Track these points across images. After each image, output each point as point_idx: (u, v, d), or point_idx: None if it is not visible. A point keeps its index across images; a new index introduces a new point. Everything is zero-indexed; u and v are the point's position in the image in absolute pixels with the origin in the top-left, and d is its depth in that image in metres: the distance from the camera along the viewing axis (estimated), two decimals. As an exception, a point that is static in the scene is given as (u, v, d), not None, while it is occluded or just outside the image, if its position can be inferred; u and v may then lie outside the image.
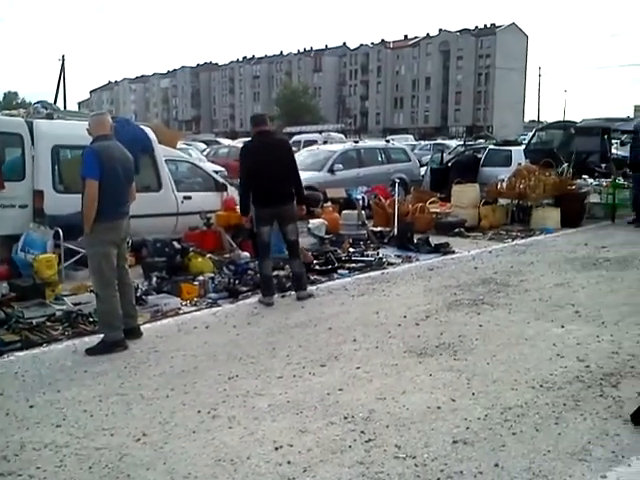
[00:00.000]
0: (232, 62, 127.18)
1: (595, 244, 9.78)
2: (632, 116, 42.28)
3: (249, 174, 6.70)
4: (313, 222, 9.89)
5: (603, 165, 15.08)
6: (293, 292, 7.03)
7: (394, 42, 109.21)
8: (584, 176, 13.81)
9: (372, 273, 8.03)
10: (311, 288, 7.11)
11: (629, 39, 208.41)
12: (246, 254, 8.19)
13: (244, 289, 7.05)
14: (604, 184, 13.16)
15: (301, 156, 14.41)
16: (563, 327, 5.57)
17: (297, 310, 6.44)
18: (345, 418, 3.83)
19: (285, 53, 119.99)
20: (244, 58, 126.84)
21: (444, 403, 4.02)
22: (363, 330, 5.63)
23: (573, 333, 5.40)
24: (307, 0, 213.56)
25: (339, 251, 8.90)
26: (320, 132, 37.27)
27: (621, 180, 13.08)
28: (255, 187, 6.69)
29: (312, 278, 7.52)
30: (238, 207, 7.27)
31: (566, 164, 13.62)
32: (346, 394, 4.20)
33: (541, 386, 4.27)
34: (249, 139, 7.22)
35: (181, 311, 6.39)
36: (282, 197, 6.71)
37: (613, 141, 16.94)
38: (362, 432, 3.65)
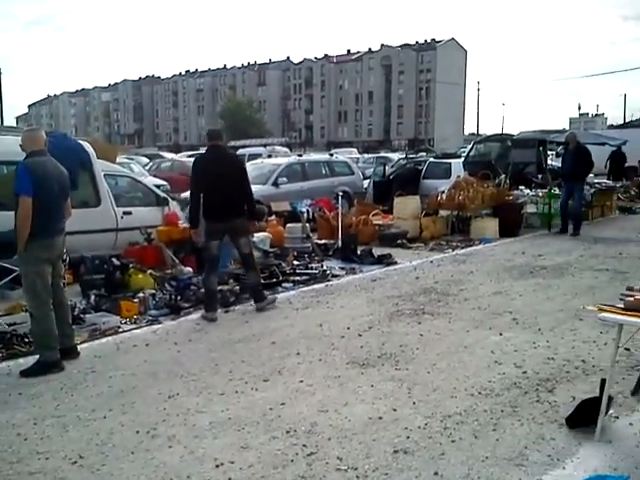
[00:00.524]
0: (175, 75, 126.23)
1: (532, 253, 10.05)
2: (567, 128, 43.84)
3: (201, 187, 6.69)
4: (257, 235, 9.83)
5: (539, 176, 15.56)
6: (237, 307, 6.99)
7: (337, 57, 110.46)
8: (521, 187, 14.21)
9: (316, 286, 8.05)
10: (272, 297, 7.17)
11: (563, 53, 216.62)
12: (189, 269, 8.09)
13: (186, 305, 6.95)
14: (540, 194, 13.57)
15: (245, 170, 14.37)
16: (501, 334, 5.70)
17: (241, 325, 6.39)
18: (287, 432, 3.82)
19: (229, 67, 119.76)
20: (187, 72, 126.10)
21: (385, 413, 4.05)
22: (307, 343, 5.62)
23: (511, 340, 5.53)
24: (250, 14, 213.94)
25: (283, 264, 8.87)
26: (265, 146, 37.30)
27: (556, 190, 13.50)
28: (207, 201, 6.68)
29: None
30: (187, 220, 7.20)
31: (503, 175, 14.01)
32: (288, 408, 4.19)
33: (480, 393, 4.35)
34: (202, 152, 7.18)
35: (120, 329, 6.25)
36: (234, 211, 6.71)
37: (549, 152, 17.46)
38: (304, 445, 3.64)
